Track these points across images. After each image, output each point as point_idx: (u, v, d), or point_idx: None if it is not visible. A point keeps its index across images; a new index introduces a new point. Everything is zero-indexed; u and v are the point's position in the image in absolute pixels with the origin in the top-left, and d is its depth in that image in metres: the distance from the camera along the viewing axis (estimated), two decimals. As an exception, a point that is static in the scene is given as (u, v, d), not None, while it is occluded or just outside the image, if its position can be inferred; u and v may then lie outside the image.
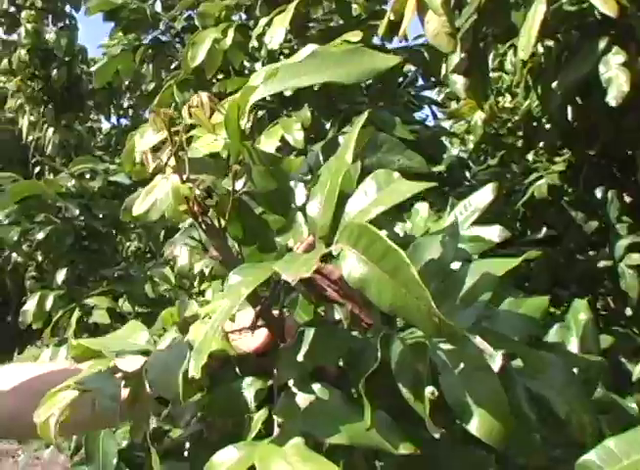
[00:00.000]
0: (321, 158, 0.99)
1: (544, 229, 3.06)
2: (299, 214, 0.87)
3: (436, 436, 0.68)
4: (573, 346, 1.03)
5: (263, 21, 2.13)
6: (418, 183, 0.72)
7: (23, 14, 5.99)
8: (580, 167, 2.75)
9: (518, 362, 0.81)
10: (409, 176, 0.79)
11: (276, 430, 0.77)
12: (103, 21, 3.08)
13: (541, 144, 3.17)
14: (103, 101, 7.01)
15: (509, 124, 3.61)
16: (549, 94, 1.88)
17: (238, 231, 0.86)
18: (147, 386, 0.79)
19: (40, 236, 3.08)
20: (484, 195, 1.15)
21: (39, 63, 6.09)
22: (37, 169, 5.62)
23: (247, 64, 2.59)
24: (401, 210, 1.29)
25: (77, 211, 3.10)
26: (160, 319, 0.95)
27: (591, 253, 2.63)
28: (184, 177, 0.83)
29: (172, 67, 3.07)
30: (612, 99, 1.62)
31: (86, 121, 7.16)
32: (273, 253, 0.90)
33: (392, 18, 1.79)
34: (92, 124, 7.81)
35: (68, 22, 6.24)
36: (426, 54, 2.37)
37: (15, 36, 6.25)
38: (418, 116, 2.95)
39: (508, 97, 3.67)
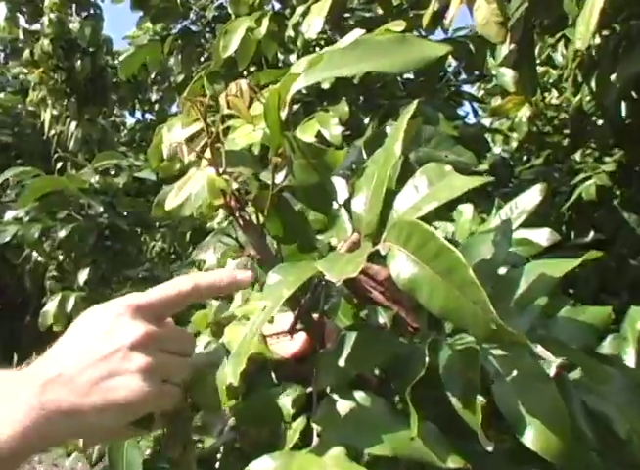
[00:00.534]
0: (364, 153, 0.98)
1: (592, 233, 3.03)
2: (343, 211, 0.87)
3: (489, 449, 0.67)
4: (631, 358, 1.01)
5: (300, 9, 2.13)
6: (473, 178, 0.71)
7: (47, 2, 6.02)
8: (633, 167, 2.72)
9: (572, 374, 0.79)
10: (460, 172, 0.78)
11: (315, 439, 0.76)
12: (131, 9, 3.10)
13: (591, 143, 3.14)
14: (127, 95, 7.07)
15: (555, 122, 3.58)
16: (604, 88, 1.86)
17: (277, 228, 0.85)
18: (188, 398, 0.79)
19: (62, 234, 3.10)
20: (532, 196, 1.13)
21: (62, 54, 6.12)
22: (59, 165, 5.65)
23: (280, 56, 2.59)
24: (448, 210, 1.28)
25: (101, 209, 3.12)
26: (193, 322, 0.95)
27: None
28: (220, 170, 0.82)
29: (202, 58, 3.07)
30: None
31: (110, 116, 7.21)
32: (314, 252, 0.89)
33: (437, 6, 1.78)
34: (116, 119, 7.87)
35: (92, 11, 6.26)
36: (470, 46, 2.35)
37: (37, 26, 6.29)
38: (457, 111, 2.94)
39: (554, 93, 3.64)
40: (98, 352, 0.76)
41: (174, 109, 6.28)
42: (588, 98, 2.33)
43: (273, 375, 0.87)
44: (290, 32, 2.17)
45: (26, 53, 6.36)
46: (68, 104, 6.23)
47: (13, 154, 6.86)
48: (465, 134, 2.35)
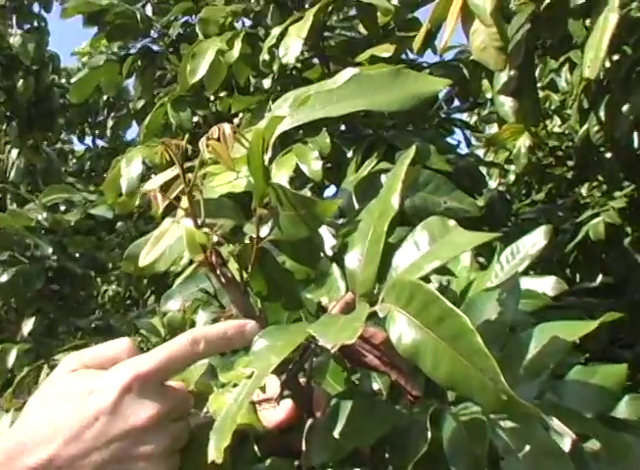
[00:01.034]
0: (354, 199, 1.00)
1: (600, 276, 3.06)
2: (335, 267, 0.88)
3: (500, 534, 0.69)
4: (653, 424, 1.02)
5: (276, 30, 2.16)
6: (479, 234, 0.73)
7: (-20, 13, 6.01)
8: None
9: (588, 445, 0.81)
10: (460, 220, 0.81)
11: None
12: (83, 25, 3.11)
13: (598, 176, 3.17)
14: (76, 118, 7.05)
15: (558, 152, 3.62)
16: (615, 117, 1.90)
17: (261, 286, 0.87)
18: None
19: (4, 278, 3.09)
20: (535, 239, 1.15)
21: (1, 71, 6.11)
22: (-2, 198, 5.64)
23: (252, 79, 2.63)
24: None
25: (50, 250, 3.12)
26: None
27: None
28: (199, 222, 0.84)
29: (165, 82, 3.10)
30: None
31: (56, 142, 7.21)
32: (299, 310, 0.91)
33: (428, 27, 1.82)
34: (63, 146, 7.85)
35: (36, 23, 6.23)
36: (464, 70, 2.39)
37: (-29, 41, 6.27)
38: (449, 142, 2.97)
39: (557, 120, 3.68)
40: (103, 433, 0.74)
41: (131, 136, 6.30)
42: (596, 128, 2.37)
43: (256, 448, 0.88)
44: (265, 56, 2.20)
45: (-42, 71, 6.34)
46: (9, 129, 6.22)
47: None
48: (458, 168, 2.38)
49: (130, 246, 1.01)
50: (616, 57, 2.05)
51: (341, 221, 1.00)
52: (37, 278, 3.12)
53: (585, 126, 2.61)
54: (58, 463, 0.72)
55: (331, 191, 2.51)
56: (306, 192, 2.11)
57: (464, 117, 3.70)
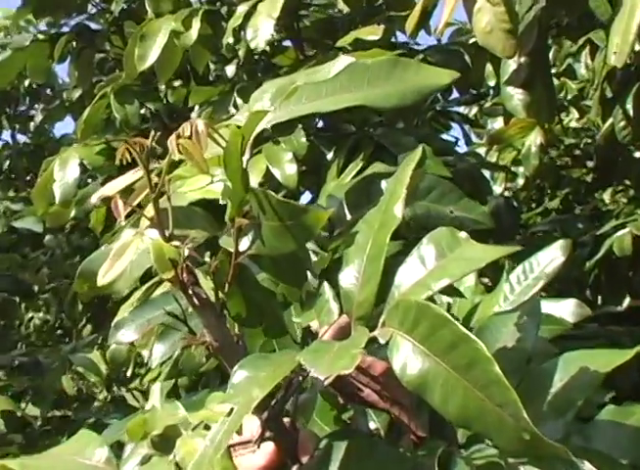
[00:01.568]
0: (346, 208, 1.02)
1: (627, 299, 3.06)
2: (326, 286, 0.91)
3: None
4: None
5: (242, 8, 2.16)
6: (495, 247, 0.76)
7: None
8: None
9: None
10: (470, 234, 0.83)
11: None
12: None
13: (624, 180, 3.16)
14: (-9, 108, 6.98)
15: (575, 151, 3.59)
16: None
17: (239, 307, 0.89)
18: None
19: None
20: (551, 256, 1.17)
21: None
22: None
23: (212, 65, 2.64)
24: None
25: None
26: (126, 431, 0.96)
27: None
28: (167, 233, 0.86)
29: (106, 67, 3.10)
30: None
31: (-36, 136, 7.14)
32: (283, 336, 0.93)
33: (424, 5, 1.83)
34: (-28, 141, 7.76)
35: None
36: (467, 57, 2.41)
37: None
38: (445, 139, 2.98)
39: (574, 113, 3.66)
40: None
41: (59, 131, 6.25)
42: (622, 123, 2.37)
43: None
44: (228, 38, 2.20)
45: None
46: None
47: None
48: (456, 171, 2.38)
49: (84, 261, 1.03)
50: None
51: (327, 235, 1.03)
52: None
53: (609, 121, 2.60)
54: None
55: (306, 199, 2.50)
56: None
57: (463, 109, 3.67)
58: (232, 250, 0.86)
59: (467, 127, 3.29)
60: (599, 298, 3.13)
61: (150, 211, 0.86)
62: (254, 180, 1.94)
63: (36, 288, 3.91)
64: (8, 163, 7.35)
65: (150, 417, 0.90)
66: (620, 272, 3.04)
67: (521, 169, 3.56)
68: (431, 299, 0.76)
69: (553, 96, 2.05)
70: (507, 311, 0.91)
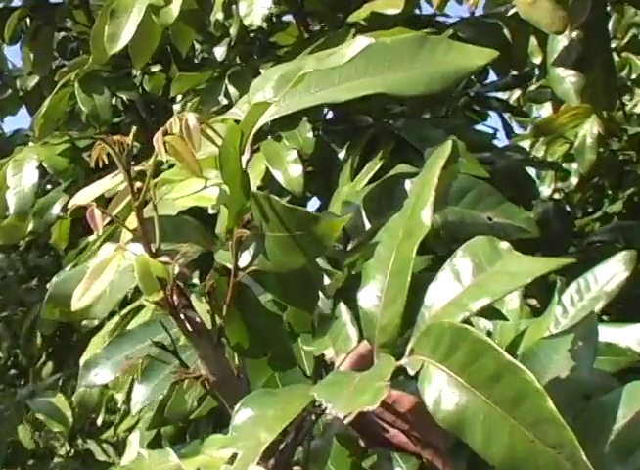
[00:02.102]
0: (364, 216, 1.02)
1: None
2: (343, 308, 0.91)
3: None
4: None
5: (233, -22, 2.16)
6: (545, 260, 0.77)
7: None
8: None
9: None
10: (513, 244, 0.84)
11: None
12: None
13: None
14: None
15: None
16: None
17: (240, 335, 0.90)
18: None
19: None
20: (612, 271, 1.17)
21: None
22: None
23: (198, 47, 2.63)
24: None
25: None
26: None
27: None
28: (152, 248, 0.86)
29: (69, 50, 3.09)
30: None
31: None
32: (292, 369, 0.94)
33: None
34: None
35: None
36: (506, 31, 2.40)
37: None
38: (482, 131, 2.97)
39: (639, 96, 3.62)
40: None
41: (10, 127, 6.23)
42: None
43: None
44: (218, 14, 2.19)
45: None
46: None
47: None
48: (495, 170, 2.37)
49: (53, 282, 1.03)
50: None
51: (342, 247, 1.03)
52: None
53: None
54: None
55: (313, 207, 2.48)
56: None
57: (501, 95, 3.62)
58: (230, 266, 0.87)
59: (507, 116, 3.26)
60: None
61: (132, 221, 0.87)
62: (252, 184, 1.92)
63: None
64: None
65: (135, 467, 0.90)
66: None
67: (574, 166, 3.49)
68: (467, 321, 0.77)
69: (613, 76, 2.04)
70: (557, 334, 0.91)
